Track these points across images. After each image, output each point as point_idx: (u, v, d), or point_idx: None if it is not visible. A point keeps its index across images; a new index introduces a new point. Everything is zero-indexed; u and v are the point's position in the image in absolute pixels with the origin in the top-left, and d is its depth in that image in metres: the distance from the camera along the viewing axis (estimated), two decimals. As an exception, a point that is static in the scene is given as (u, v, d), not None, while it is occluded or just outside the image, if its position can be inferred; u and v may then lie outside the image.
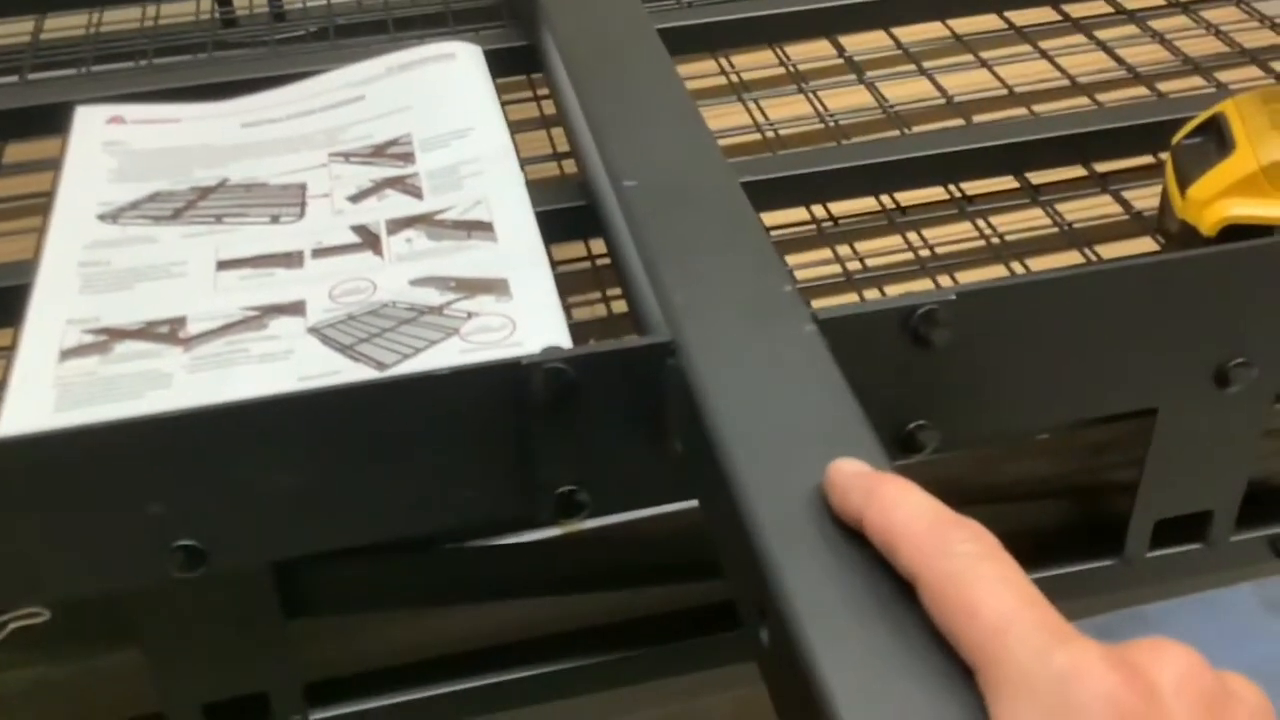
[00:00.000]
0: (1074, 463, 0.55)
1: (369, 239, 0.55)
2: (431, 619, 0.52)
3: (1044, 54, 0.74)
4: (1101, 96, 0.70)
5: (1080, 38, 0.76)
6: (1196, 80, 0.71)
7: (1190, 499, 0.52)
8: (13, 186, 0.65)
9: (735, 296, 0.42)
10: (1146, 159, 0.64)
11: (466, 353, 0.47)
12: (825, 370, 0.39)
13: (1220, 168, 0.53)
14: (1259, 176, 0.52)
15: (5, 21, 0.80)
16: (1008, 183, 0.64)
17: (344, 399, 0.40)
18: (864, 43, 0.76)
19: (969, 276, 0.60)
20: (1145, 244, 0.60)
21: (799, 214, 0.63)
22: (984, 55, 0.74)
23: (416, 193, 0.57)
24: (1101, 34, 0.76)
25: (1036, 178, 0.64)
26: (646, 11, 0.65)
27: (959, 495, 0.32)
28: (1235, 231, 0.53)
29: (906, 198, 0.64)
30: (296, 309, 0.50)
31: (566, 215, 0.58)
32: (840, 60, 0.75)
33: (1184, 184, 0.55)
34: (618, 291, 0.57)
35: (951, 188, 0.64)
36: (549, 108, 0.69)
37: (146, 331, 0.49)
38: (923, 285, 0.58)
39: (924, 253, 0.61)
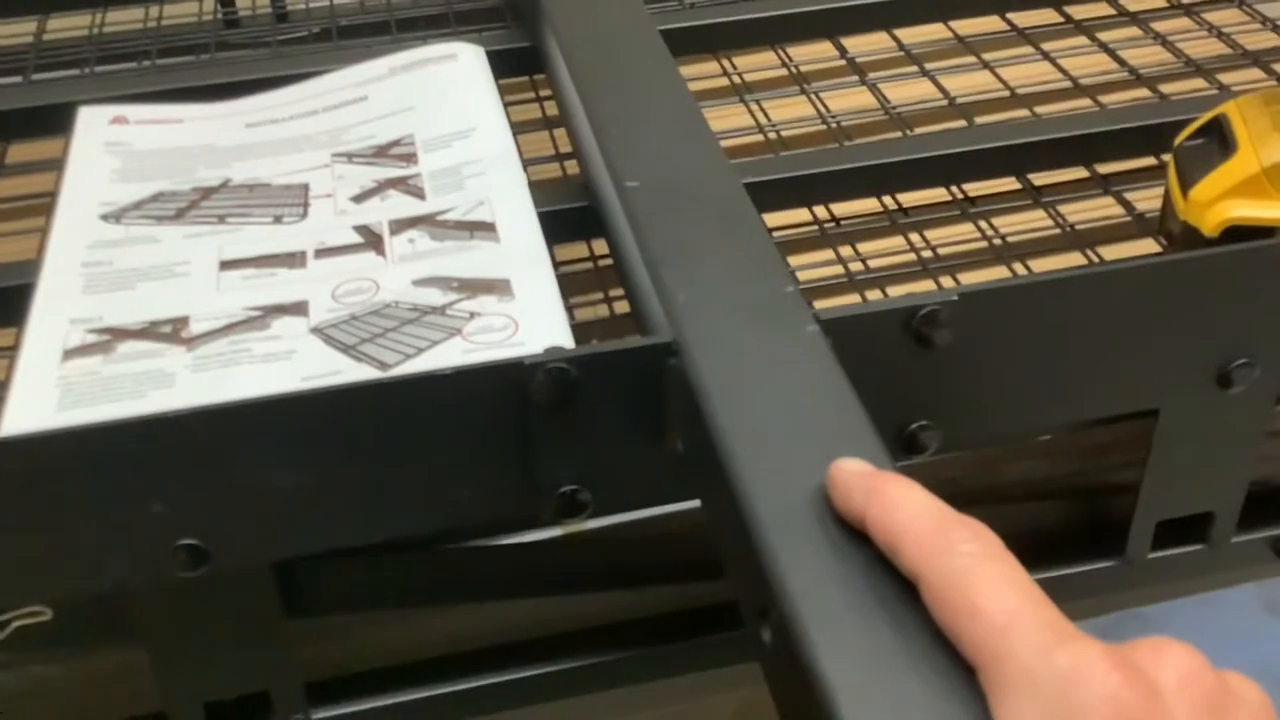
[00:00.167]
0: (1076, 463, 0.55)
1: (372, 239, 0.55)
2: (433, 619, 0.52)
3: (1046, 55, 0.74)
4: (1103, 98, 0.70)
5: (1082, 39, 0.76)
6: (1199, 82, 0.71)
7: (1192, 500, 0.52)
8: (16, 186, 0.65)
9: (737, 297, 0.42)
10: (1148, 160, 0.64)
11: (469, 353, 0.47)
12: (827, 370, 0.39)
13: (1222, 169, 0.53)
14: (1261, 178, 0.52)
15: (9, 22, 0.80)
16: (1010, 184, 0.64)
17: (346, 399, 0.40)
18: (866, 44, 0.76)
19: (971, 277, 0.60)
20: (1147, 245, 0.60)
21: (801, 215, 0.63)
22: (986, 57, 0.74)
23: (419, 193, 0.57)
24: (1104, 36, 0.76)
25: (1038, 179, 0.64)
26: (649, 13, 0.65)
27: (961, 496, 0.32)
28: (1237, 233, 0.53)
29: (909, 199, 0.64)
30: (299, 309, 0.50)
31: (569, 216, 0.58)
32: (842, 61, 0.75)
33: (1186, 185, 0.55)
34: (620, 292, 0.57)
35: (954, 189, 0.64)
36: (551, 109, 0.69)
37: (149, 331, 0.49)
38: (925, 286, 0.58)
39: (926, 254, 0.61)
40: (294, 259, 0.54)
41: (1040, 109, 0.70)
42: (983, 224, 0.62)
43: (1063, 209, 0.62)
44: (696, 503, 0.41)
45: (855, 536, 0.32)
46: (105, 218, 0.57)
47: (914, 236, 0.62)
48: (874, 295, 0.58)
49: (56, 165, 0.61)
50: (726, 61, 0.75)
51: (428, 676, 0.51)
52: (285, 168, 0.60)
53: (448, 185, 0.58)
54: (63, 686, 0.49)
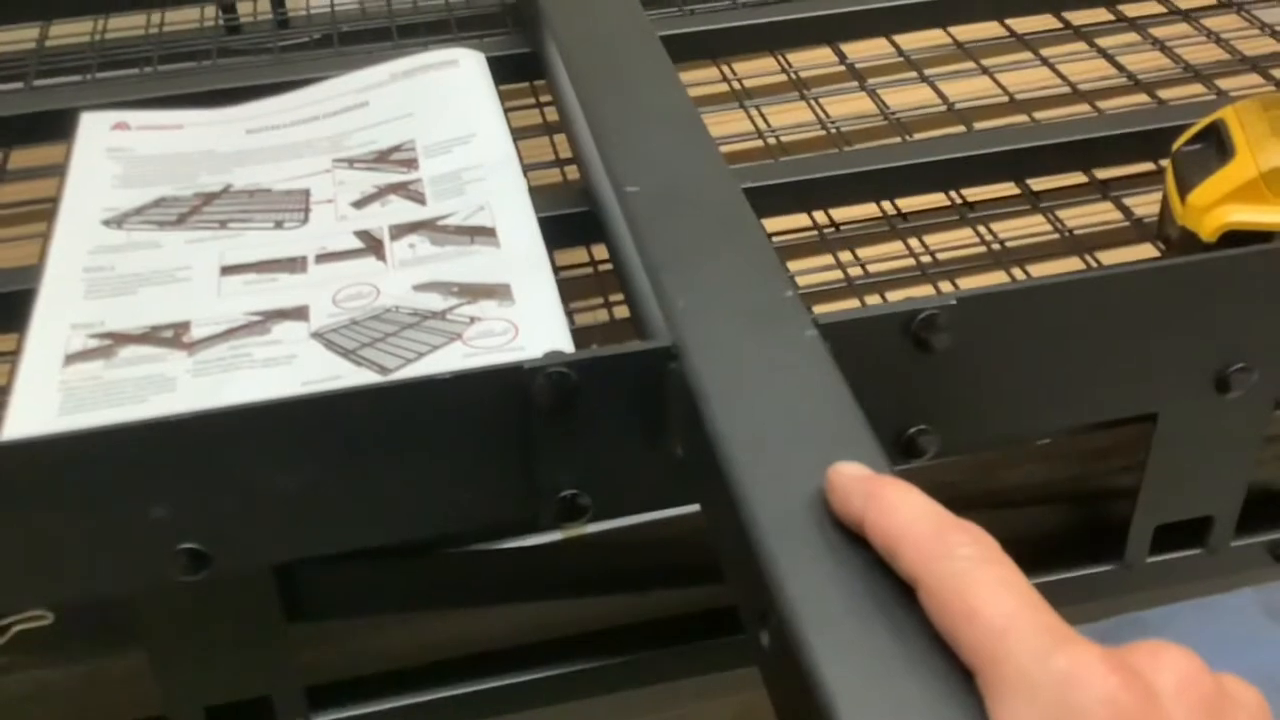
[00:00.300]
0: (1074, 468, 0.55)
1: (372, 244, 0.55)
2: (433, 623, 0.52)
3: (1045, 61, 0.74)
4: (1102, 103, 0.71)
5: (1081, 45, 0.76)
6: (1197, 87, 0.72)
7: (1191, 504, 0.52)
8: (18, 192, 0.65)
9: (737, 301, 0.42)
10: (1147, 165, 0.64)
11: (469, 357, 0.47)
12: (826, 375, 0.39)
13: (1220, 174, 0.54)
14: (1259, 183, 0.53)
15: (10, 28, 0.81)
16: (1009, 189, 0.64)
17: (347, 403, 0.40)
18: (865, 50, 0.76)
19: (970, 282, 0.60)
20: (1146, 250, 0.60)
21: (800, 220, 0.63)
22: (985, 62, 0.74)
23: (420, 198, 0.58)
24: (1102, 41, 0.76)
25: (1037, 184, 0.64)
26: (649, 19, 0.65)
27: (959, 500, 0.32)
28: (1235, 237, 0.53)
29: (908, 204, 0.64)
30: (300, 314, 0.50)
31: (569, 221, 0.58)
32: (842, 67, 0.75)
33: (1184, 190, 0.55)
34: (620, 296, 0.57)
35: (953, 194, 0.64)
36: (552, 114, 0.69)
37: (151, 336, 0.50)
38: (924, 291, 0.58)
39: (925, 258, 0.61)
40: (295, 264, 0.54)
41: (1039, 114, 0.70)
42: (981, 229, 0.62)
43: (1061, 214, 0.62)
44: (696, 507, 0.41)
45: (854, 540, 0.33)
46: (107, 223, 0.57)
47: (913, 241, 0.62)
48: (873, 300, 0.58)
49: (58, 171, 0.61)
50: (726, 67, 0.75)
51: (428, 681, 0.51)
52: (286, 173, 0.61)
53: (448, 190, 0.58)
54: (64, 690, 0.49)
